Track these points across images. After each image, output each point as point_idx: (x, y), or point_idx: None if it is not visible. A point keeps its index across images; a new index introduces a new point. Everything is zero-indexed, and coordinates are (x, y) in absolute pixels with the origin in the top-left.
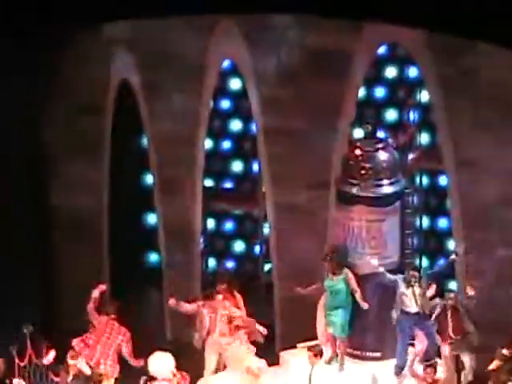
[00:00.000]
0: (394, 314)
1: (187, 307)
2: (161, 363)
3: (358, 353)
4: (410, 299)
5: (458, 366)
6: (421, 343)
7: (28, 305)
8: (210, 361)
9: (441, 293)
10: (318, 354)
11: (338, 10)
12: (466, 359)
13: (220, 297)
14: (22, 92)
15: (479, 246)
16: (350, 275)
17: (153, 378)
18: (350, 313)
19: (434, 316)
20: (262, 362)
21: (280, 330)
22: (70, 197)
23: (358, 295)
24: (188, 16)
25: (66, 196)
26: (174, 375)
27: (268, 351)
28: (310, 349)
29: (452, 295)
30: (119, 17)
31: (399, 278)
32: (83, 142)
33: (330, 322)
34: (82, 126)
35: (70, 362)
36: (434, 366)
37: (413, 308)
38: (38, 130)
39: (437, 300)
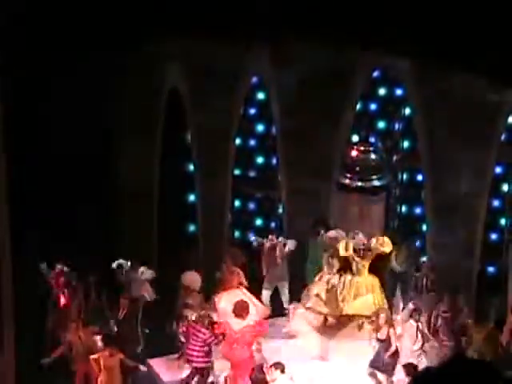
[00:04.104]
0: None
1: None
2: (193, 276)
3: None
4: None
5: None
6: None
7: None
8: None
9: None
10: None
11: (343, 39)
12: None
13: None
14: (98, 91)
15: (446, 228)
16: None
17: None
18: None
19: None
20: None
21: None
22: (130, 179)
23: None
24: (227, 39)
25: (127, 177)
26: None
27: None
28: None
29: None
30: (174, 37)
31: None
32: (141, 136)
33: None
34: (141, 124)
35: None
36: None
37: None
38: (111, 124)
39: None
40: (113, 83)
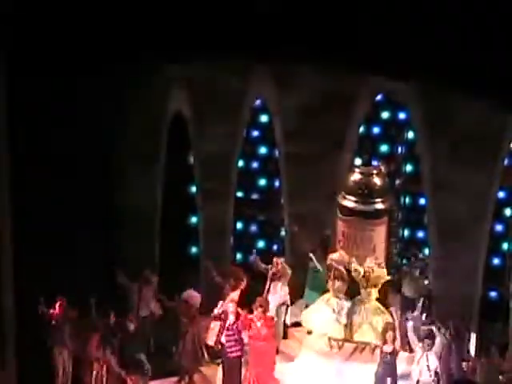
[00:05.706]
0: None
1: None
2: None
3: None
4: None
5: None
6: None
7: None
8: None
9: None
10: None
11: (346, 63)
12: None
13: None
14: (100, 113)
15: (448, 252)
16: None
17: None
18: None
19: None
20: None
21: None
22: (132, 200)
23: None
24: (229, 62)
25: (129, 199)
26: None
27: None
28: None
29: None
30: (178, 60)
31: None
32: (144, 158)
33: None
34: (144, 146)
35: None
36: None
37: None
38: (113, 147)
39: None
40: (115, 105)
